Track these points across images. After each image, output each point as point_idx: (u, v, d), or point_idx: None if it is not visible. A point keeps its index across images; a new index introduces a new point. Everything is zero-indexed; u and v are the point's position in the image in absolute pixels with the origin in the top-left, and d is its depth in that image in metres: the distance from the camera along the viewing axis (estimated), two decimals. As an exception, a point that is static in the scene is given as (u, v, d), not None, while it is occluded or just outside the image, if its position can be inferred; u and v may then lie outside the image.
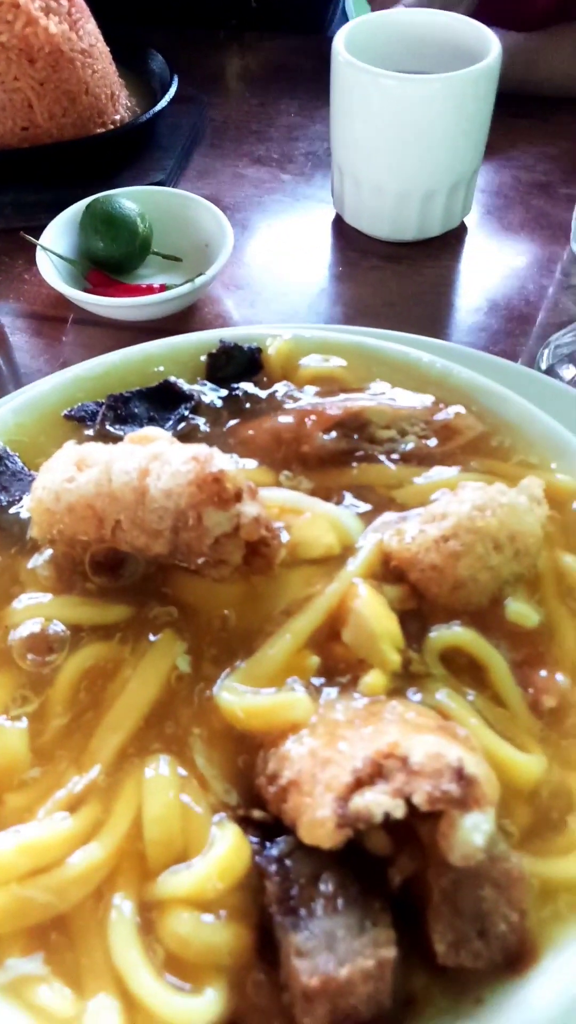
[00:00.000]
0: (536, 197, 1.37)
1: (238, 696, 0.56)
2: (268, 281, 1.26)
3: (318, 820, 0.46)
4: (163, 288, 1.16)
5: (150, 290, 1.16)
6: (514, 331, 1.15)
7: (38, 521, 0.63)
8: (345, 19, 2.18)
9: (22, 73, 1.24)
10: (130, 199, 1.20)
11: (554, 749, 0.58)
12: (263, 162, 1.47)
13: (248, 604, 0.62)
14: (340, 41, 1.14)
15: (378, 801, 0.45)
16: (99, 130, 1.35)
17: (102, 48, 1.35)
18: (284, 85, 1.64)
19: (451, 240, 1.28)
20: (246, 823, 0.52)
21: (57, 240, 1.19)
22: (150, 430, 0.66)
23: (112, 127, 1.37)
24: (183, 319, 1.19)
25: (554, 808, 0.56)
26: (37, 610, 0.61)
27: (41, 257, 1.16)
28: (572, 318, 1.15)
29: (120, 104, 1.39)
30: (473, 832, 0.44)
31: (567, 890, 0.52)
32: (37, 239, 1.16)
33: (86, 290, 1.16)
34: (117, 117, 1.38)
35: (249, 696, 0.56)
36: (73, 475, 0.62)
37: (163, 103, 1.37)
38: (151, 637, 0.60)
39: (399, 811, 0.45)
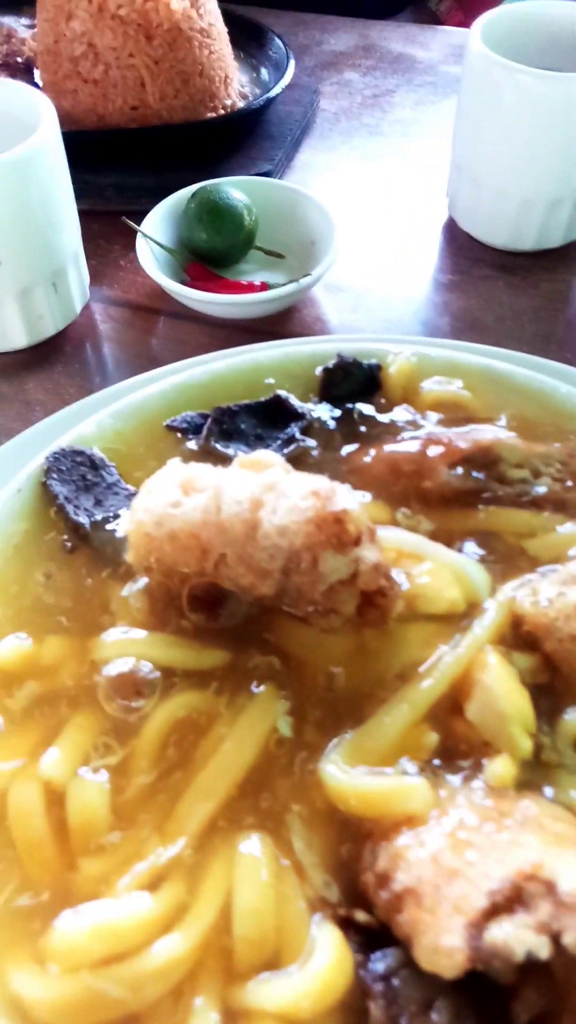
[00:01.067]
0: None
1: (348, 775, 0.49)
2: (371, 284, 1.18)
3: (444, 948, 0.40)
4: (264, 286, 1.09)
5: (251, 287, 1.10)
6: None
7: (135, 546, 0.57)
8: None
9: (138, 50, 1.18)
10: (237, 189, 1.14)
11: None
12: (374, 158, 1.39)
13: (358, 661, 0.55)
14: (476, 31, 1.06)
15: (520, 937, 0.38)
16: (210, 114, 1.28)
17: (221, 28, 1.29)
18: (400, 77, 1.56)
19: (570, 252, 1.19)
20: (347, 925, 0.46)
21: (158, 228, 1.14)
22: (263, 454, 0.59)
23: (223, 111, 1.30)
24: (280, 319, 1.12)
25: None
26: (128, 647, 0.55)
27: (141, 245, 1.10)
28: None
29: (232, 89, 1.33)
30: None
31: None
32: (138, 224, 1.11)
33: (184, 283, 1.10)
34: (228, 102, 1.32)
35: (361, 777, 0.49)
36: (178, 499, 0.56)
37: (278, 89, 1.30)
38: (251, 689, 0.54)
39: (544, 951, 0.38)
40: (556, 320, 1.11)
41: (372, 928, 0.45)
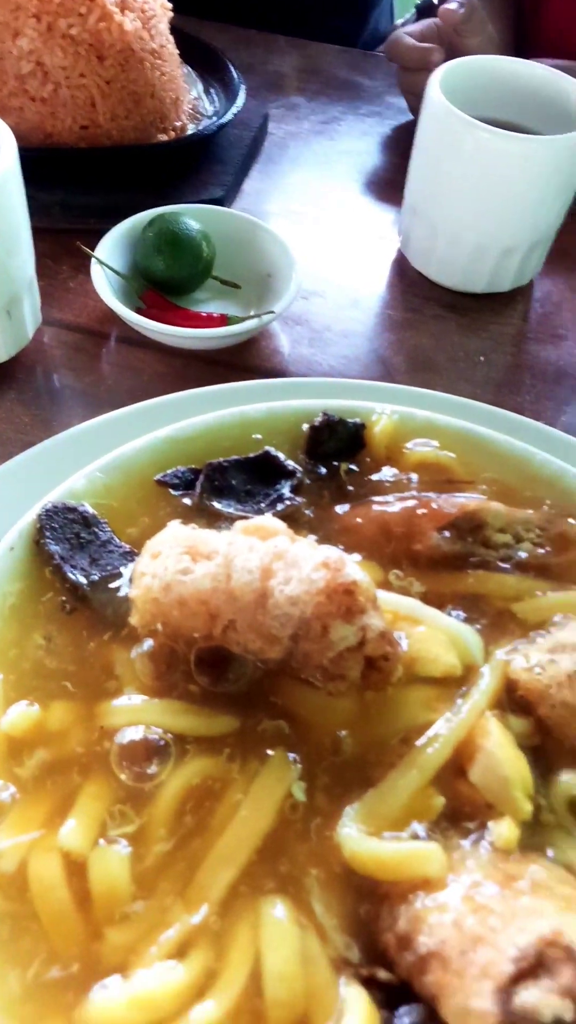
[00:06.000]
0: (604, 260, 1.34)
1: (365, 841, 0.52)
2: (326, 319, 1.21)
3: (476, 1011, 0.43)
4: (224, 318, 1.11)
5: (210, 319, 1.11)
6: (580, 403, 1.12)
7: (142, 611, 0.58)
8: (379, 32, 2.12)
9: (89, 70, 1.17)
10: (194, 218, 1.14)
11: None
12: (324, 187, 1.42)
13: (363, 724, 0.58)
14: (435, 80, 1.10)
15: (547, 1002, 0.42)
16: (160, 135, 1.28)
17: (172, 50, 1.28)
18: (346, 104, 1.59)
19: (517, 297, 1.25)
20: (369, 983, 0.49)
21: (111, 253, 1.13)
22: (266, 521, 0.61)
23: (174, 133, 1.30)
24: (238, 350, 1.14)
25: None
26: (138, 714, 0.56)
27: (95, 270, 1.09)
28: None
29: (182, 110, 1.33)
30: None
31: None
32: (83, 243, 1.10)
33: (140, 311, 1.10)
34: (178, 123, 1.32)
35: (378, 842, 0.52)
36: (188, 566, 0.58)
37: (230, 115, 1.31)
38: (263, 753, 0.56)
39: (568, 1015, 0.42)
40: (506, 364, 1.17)
41: (392, 985, 0.48)
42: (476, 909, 0.47)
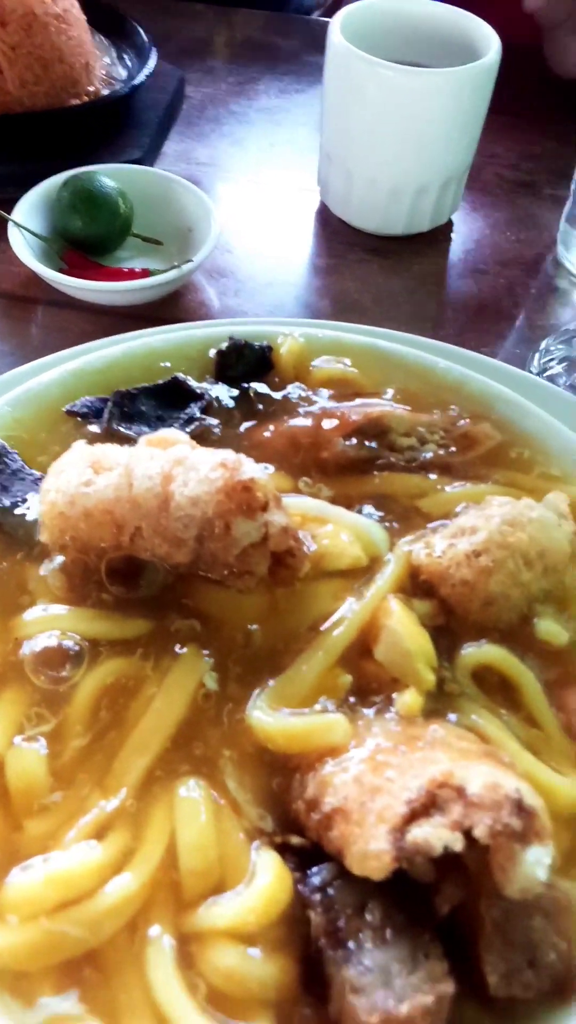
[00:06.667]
0: (521, 196, 1.36)
1: (273, 718, 0.53)
2: (251, 270, 1.22)
3: (372, 852, 0.45)
4: (146, 273, 1.11)
5: (132, 274, 1.12)
6: (503, 332, 1.15)
7: (49, 526, 0.59)
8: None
9: (-5, 36, 1.17)
10: (110, 177, 1.15)
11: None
12: (243, 144, 1.43)
13: (273, 618, 0.60)
14: (336, 25, 1.11)
15: (437, 835, 0.44)
16: (73, 101, 1.28)
17: (77, 14, 1.28)
18: (263, 65, 1.60)
19: (438, 236, 1.27)
20: (283, 849, 0.50)
21: (29, 216, 1.13)
22: (168, 432, 0.63)
23: (87, 98, 1.30)
24: (164, 305, 1.14)
25: (591, 831, 0.55)
26: (51, 622, 0.58)
27: (13, 234, 1.09)
28: (559, 323, 1.15)
29: (95, 75, 1.33)
30: (536, 866, 0.44)
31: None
32: (7, 212, 1.10)
33: (63, 271, 1.11)
34: (91, 89, 1.32)
35: (286, 718, 0.53)
36: (90, 478, 0.59)
37: (142, 76, 1.31)
38: (175, 651, 0.58)
39: (458, 845, 0.44)
40: (429, 300, 1.19)
41: (306, 849, 0.50)
42: (376, 766, 0.49)
